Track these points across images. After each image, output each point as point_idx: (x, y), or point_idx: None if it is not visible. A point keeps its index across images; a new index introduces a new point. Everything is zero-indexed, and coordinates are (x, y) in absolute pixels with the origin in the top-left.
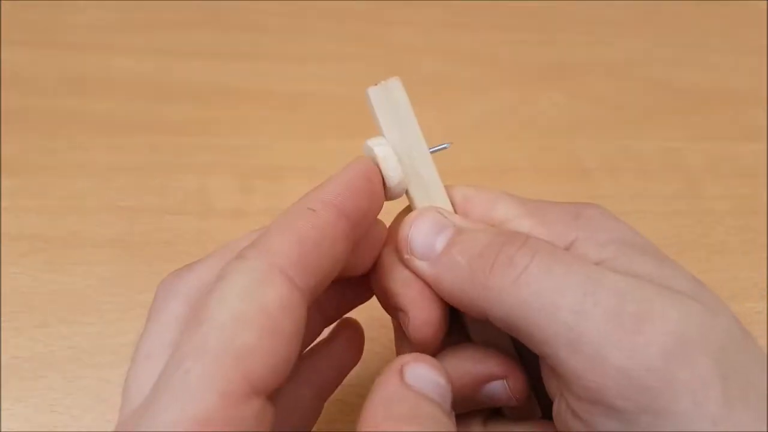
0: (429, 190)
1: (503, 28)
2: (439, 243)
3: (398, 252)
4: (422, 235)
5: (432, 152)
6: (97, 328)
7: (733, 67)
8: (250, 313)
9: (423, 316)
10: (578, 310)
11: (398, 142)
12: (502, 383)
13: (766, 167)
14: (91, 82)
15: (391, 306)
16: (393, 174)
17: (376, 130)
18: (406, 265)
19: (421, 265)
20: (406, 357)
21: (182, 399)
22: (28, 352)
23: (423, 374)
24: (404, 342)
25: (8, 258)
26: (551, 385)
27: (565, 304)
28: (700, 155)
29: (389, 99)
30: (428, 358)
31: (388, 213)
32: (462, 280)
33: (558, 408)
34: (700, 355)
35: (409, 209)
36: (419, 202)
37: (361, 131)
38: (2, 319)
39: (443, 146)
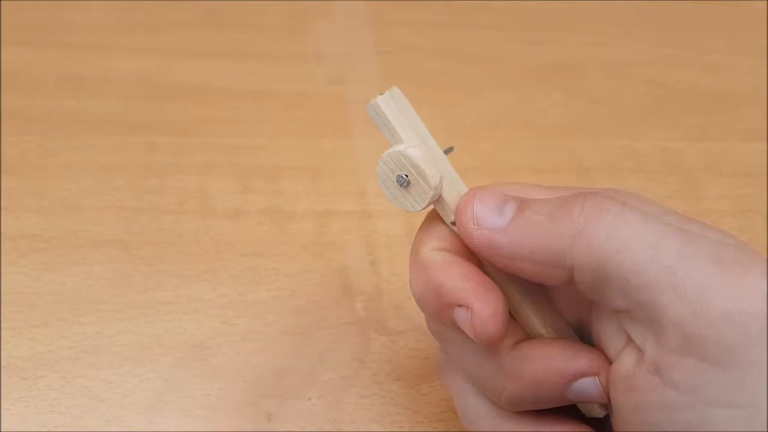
0: (457, 189)
1: (503, 28)
2: (509, 210)
3: (461, 227)
4: (489, 206)
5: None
6: (97, 328)
7: (733, 67)
8: None
9: (489, 307)
10: (682, 252)
11: (419, 146)
12: (593, 380)
13: (766, 167)
14: (91, 82)
15: (447, 304)
16: (434, 173)
17: (370, 133)
18: (470, 241)
19: (492, 234)
20: None
21: None
22: (27, 352)
23: None
24: (463, 348)
25: (8, 258)
26: (616, 344)
27: (667, 247)
28: (700, 155)
29: (398, 106)
30: None
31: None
32: (544, 235)
33: (627, 368)
34: None
35: (433, 214)
36: (452, 201)
37: (361, 131)
38: (2, 319)
39: (450, 149)
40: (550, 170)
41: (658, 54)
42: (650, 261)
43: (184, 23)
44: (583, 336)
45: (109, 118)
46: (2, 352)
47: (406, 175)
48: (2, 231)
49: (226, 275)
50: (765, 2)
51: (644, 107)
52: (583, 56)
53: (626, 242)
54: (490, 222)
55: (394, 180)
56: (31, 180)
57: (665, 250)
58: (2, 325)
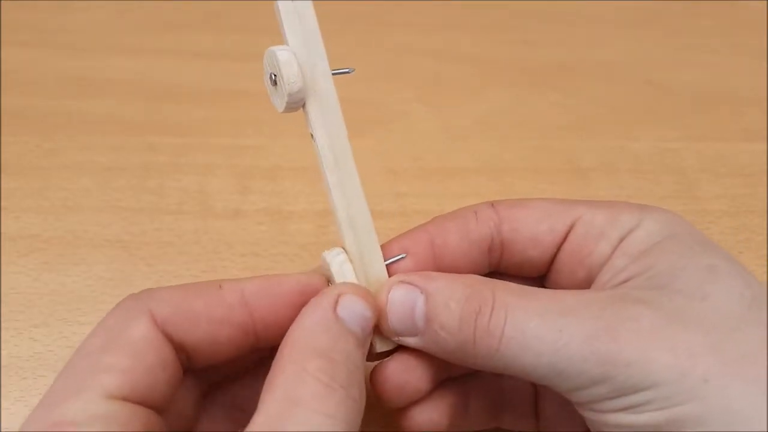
0: (326, 109)
1: (502, 28)
2: (419, 319)
3: (388, 335)
4: (400, 320)
5: (333, 74)
6: None
7: (733, 67)
8: (113, 342)
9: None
10: (557, 348)
11: (302, 55)
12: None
13: (764, 167)
14: (91, 82)
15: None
16: (294, 80)
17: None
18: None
19: (413, 341)
20: (345, 288)
21: (45, 405)
22: (28, 352)
23: (354, 308)
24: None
25: (8, 258)
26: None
27: (545, 349)
28: (697, 155)
29: (298, 14)
30: (362, 290)
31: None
32: (452, 350)
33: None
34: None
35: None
36: (315, 118)
37: (360, 132)
38: (2, 319)
39: (345, 70)
40: (548, 171)
41: (656, 54)
42: (534, 365)
43: (184, 23)
44: None
45: (109, 118)
46: (2, 352)
47: (275, 75)
48: (2, 231)
49: (225, 275)
50: (765, 2)
51: (642, 107)
52: (582, 57)
53: (513, 359)
54: (407, 333)
55: (269, 76)
56: (31, 180)
57: (545, 351)
58: (2, 325)
